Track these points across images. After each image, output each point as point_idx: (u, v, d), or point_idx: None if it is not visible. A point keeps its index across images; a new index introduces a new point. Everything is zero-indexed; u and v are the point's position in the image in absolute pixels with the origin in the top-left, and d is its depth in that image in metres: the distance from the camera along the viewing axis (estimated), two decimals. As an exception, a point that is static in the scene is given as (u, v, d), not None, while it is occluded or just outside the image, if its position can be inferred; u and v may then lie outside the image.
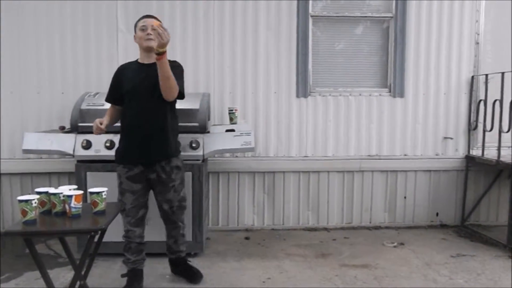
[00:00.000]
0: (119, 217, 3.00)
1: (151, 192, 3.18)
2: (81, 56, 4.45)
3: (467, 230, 4.69)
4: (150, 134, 2.98)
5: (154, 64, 2.82)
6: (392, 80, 4.74)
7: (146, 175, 3.05)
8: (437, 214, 4.89)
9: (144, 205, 3.14)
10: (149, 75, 2.92)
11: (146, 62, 3.05)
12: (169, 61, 2.82)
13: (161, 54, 2.67)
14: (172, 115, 3.11)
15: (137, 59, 3.13)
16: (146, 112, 2.95)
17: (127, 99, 3.01)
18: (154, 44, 2.76)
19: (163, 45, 2.62)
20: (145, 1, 4.45)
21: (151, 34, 2.86)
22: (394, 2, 4.68)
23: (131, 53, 4.44)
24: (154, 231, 3.56)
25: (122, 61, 4.43)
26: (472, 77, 4.76)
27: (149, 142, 2.97)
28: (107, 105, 3.78)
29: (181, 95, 2.98)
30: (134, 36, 3.08)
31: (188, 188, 3.61)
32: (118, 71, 3.16)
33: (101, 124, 2.93)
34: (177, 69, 2.98)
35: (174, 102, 3.07)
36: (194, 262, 3.60)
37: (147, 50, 3.00)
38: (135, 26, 3.05)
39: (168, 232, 3.30)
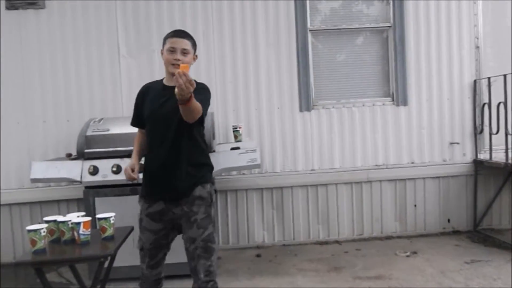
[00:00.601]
0: (129, 241, 2.98)
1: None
2: (84, 82, 4.50)
3: (480, 235, 4.64)
4: (170, 165, 2.60)
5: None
6: (394, 88, 4.75)
7: (170, 210, 2.60)
8: (448, 221, 4.85)
9: (166, 246, 2.71)
10: (172, 99, 2.45)
11: (171, 84, 2.54)
12: (196, 83, 2.42)
13: (184, 101, 2.26)
14: (196, 140, 2.69)
15: (162, 78, 2.74)
16: (165, 140, 2.59)
17: (147, 124, 2.66)
18: (179, 80, 2.29)
19: (184, 95, 2.18)
20: (145, 24, 4.51)
21: (179, 60, 2.55)
22: (391, 11, 4.71)
23: (134, 77, 4.51)
24: (174, 252, 3.53)
25: (125, 86, 4.50)
26: (475, 81, 4.75)
27: (169, 174, 2.60)
28: (113, 130, 3.83)
29: (201, 120, 2.57)
30: (161, 51, 2.66)
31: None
32: (141, 91, 2.77)
33: (132, 170, 2.58)
34: (203, 94, 2.58)
35: (199, 123, 2.62)
36: (206, 282, 3.58)
37: (172, 74, 2.54)
38: (164, 40, 2.65)
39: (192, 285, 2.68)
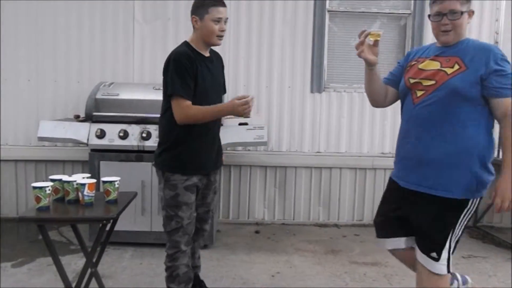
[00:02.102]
0: (131, 206, 3.01)
1: None
2: (97, 45, 4.48)
3: (480, 231, 4.65)
4: (218, 138, 2.73)
5: (211, 57, 2.62)
6: (408, 77, 4.69)
7: (201, 181, 2.62)
8: (449, 214, 4.85)
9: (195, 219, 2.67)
10: (216, 72, 2.65)
11: (206, 55, 2.59)
12: (215, 51, 2.72)
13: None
14: None
15: (190, 46, 2.53)
16: None
17: (203, 96, 2.49)
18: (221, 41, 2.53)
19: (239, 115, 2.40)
20: (162, 5, 4.46)
21: (224, 31, 2.51)
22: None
23: (147, 44, 4.48)
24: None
25: (137, 52, 4.48)
26: (490, 76, 4.68)
27: (215, 146, 2.69)
28: (122, 95, 3.83)
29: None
30: (196, 19, 2.49)
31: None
32: (190, 58, 2.46)
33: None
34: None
35: None
36: (203, 254, 3.62)
37: (213, 45, 2.58)
38: (205, 8, 2.46)
39: None
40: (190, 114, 2.43)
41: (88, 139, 3.67)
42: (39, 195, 2.33)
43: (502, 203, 1.98)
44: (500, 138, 2.09)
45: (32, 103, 4.48)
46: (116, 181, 2.58)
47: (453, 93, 2.03)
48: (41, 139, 3.79)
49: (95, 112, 3.76)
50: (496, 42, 4.68)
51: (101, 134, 3.66)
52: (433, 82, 2.08)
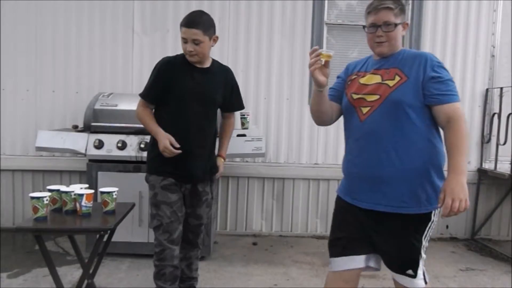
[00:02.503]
0: (128, 217, 3.00)
1: None
2: (96, 56, 4.49)
3: (477, 244, 4.64)
4: (205, 147, 2.72)
5: (207, 70, 2.69)
6: (405, 90, 4.71)
7: (183, 185, 2.71)
8: (447, 227, 4.85)
9: (180, 222, 2.71)
10: (210, 81, 2.69)
11: (200, 65, 2.68)
12: (225, 66, 2.87)
13: None
14: (215, 125, 2.87)
15: (182, 55, 2.69)
16: (204, 121, 2.69)
17: (180, 101, 2.63)
18: (197, 60, 2.61)
19: None
20: (161, 4, 4.48)
21: (192, 51, 2.56)
22: (409, 11, 4.67)
23: (146, 55, 4.50)
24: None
25: (136, 63, 4.50)
26: (487, 89, 4.72)
27: (202, 156, 2.71)
28: (121, 106, 3.83)
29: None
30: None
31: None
32: (166, 63, 2.67)
33: (171, 145, 2.57)
34: (238, 89, 2.94)
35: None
36: (201, 265, 3.60)
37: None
38: (180, 26, 2.61)
39: (183, 254, 2.85)
40: (139, 114, 2.70)
41: (86, 149, 3.67)
42: (36, 205, 2.33)
43: (453, 203, 1.83)
44: (445, 143, 1.98)
45: (30, 113, 4.48)
46: (114, 191, 2.58)
47: (399, 105, 1.98)
48: (39, 149, 3.78)
49: (94, 122, 3.76)
50: (493, 56, 4.72)
51: (99, 145, 3.66)
52: (377, 96, 2.02)
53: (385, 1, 2.04)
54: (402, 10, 2.07)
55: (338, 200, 2.25)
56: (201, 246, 2.95)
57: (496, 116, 4.57)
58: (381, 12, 2.03)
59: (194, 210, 2.78)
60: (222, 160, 2.93)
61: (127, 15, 4.48)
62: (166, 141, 2.54)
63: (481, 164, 4.75)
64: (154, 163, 2.68)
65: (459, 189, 1.85)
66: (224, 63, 4.49)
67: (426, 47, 4.67)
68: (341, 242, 2.21)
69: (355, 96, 2.10)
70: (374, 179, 2.03)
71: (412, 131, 1.99)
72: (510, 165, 4.29)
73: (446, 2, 4.65)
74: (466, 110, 4.73)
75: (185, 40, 2.57)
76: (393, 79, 2.02)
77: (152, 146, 2.70)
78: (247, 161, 4.61)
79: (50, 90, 4.48)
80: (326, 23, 4.65)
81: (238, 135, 3.87)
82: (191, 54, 2.58)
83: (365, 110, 2.05)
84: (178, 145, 2.56)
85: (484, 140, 4.73)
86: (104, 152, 3.67)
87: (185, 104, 2.61)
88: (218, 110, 2.87)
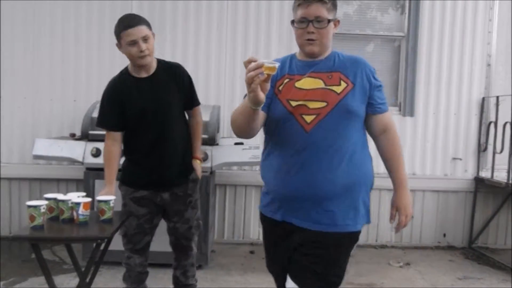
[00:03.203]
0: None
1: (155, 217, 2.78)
2: (94, 64, 4.50)
3: (475, 252, 4.64)
4: (170, 157, 2.65)
5: (153, 76, 2.60)
6: (402, 98, 4.74)
7: (158, 195, 2.67)
8: (444, 235, 4.85)
9: (150, 232, 2.74)
10: (158, 91, 2.60)
11: (143, 75, 2.62)
12: (172, 64, 2.70)
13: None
14: (186, 127, 2.79)
15: (125, 71, 2.67)
16: (164, 133, 2.61)
17: (137, 121, 2.59)
18: (150, 61, 2.52)
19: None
20: (159, 14, 4.50)
21: (145, 50, 2.47)
22: (406, 21, 4.71)
23: (144, 64, 4.50)
24: (159, 240, 3.55)
25: (134, 71, 4.47)
26: (483, 98, 4.74)
27: (169, 166, 2.65)
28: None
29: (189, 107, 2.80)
30: (117, 45, 2.58)
31: (195, 199, 3.61)
32: (113, 88, 2.65)
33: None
34: (191, 83, 2.76)
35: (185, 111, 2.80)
36: (198, 274, 3.59)
37: (140, 66, 2.58)
38: (118, 34, 2.52)
39: (177, 262, 2.86)
40: (104, 146, 2.69)
41: (83, 158, 3.67)
42: (33, 213, 2.32)
43: (406, 219, 1.88)
44: (383, 153, 1.97)
45: (28, 121, 4.48)
46: (111, 200, 2.57)
47: (348, 114, 1.82)
48: (36, 157, 3.78)
49: (91, 130, 3.76)
50: (489, 65, 4.75)
51: (97, 153, 3.66)
52: (324, 104, 1.80)
53: None
54: (335, 6, 1.88)
55: (266, 220, 2.00)
56: (195, 248, 2.88)
57: (492, 124, 4.59)
58: (313, 6, 1.81)
59: (181, 216, 2.73)
60: (198, 161, 2.83)
61: (125, 24, 4.49)
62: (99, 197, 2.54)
63: (478, 172, 4.76)
64: (127, 174, 2.70)
65: (409, 204, 1.90)
66: (221, 69, 4.57)
67: (422, 57, 4.70)
68: (276, 272, 2.07)
69: (293, 103, 1.83)
70: (320, 197, 1.82)
71: (358, 142, 1.88)
72: (506, 174, 4.31)
73: (442, 12, 4.69)
74: (463, 118, 4.76)
75: (133, 42, 2.44)
76: (339, 85, 1.84)
77: (126, 156, 2.71)
78: (244, 169, 4.61)
79: (48, 98, 4.49)
80: (323, 32, 4.67)
81: (236, 143, 3.88)
82: (144, 55, 2.47)
83: (309, 118, 1.81)
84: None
85: (481, 149, 4.74)
86: (101, 160, 3.64)
87: (143, 118, 2.57)
88: None
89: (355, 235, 1.89)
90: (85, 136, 3.77)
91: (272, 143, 1.92)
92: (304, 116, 1.81)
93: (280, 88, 1.89)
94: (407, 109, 4.71)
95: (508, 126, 4.31)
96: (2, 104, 4.46)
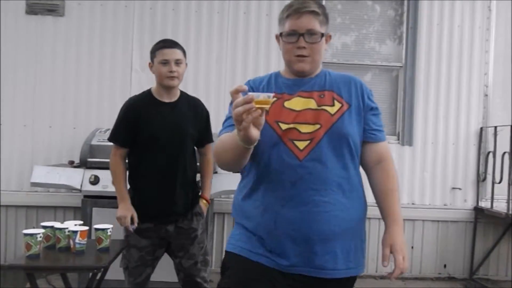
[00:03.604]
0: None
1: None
2: (94, 92, 4.53)
3: (476, 283, 4.58)
4: (180, 186, 2.59)
5: (175, 104, 2.61)
6: (400, 128, 4.77)
7: (163, 228, 2.60)
8: (444, 266, 4.79)
9: (151, 264, 2.65)
10: (178, 117, 2.59)
11: (165, 100, 2.61)
12: (194, 97, 2.74)
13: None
14: (195, 159, 2.75)
15: (147, 93, 2.65)
16: (176, 160, 2.57)
17: (149, 143, 2.56)
18: (177, 84, 2.55)
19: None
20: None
21: (175, 72, 2.50)
22: (403, 51, 4.77)
23: (144, 92, 4.53)
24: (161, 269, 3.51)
25: (134, 99, 4.50)
26: (481, 128, 4.77)
27: (176, 196, 2.59)
28: (118, 142, 3.82)
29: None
30: (149, 64, 2.63)
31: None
32: (132, 106, 2.61)
33: (132, 220, 2.57)
34: (208, 120, 2.80)
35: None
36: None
37: (167, 87, 2.59)
38: (153, 53, 2.60)
39: None
40: (112, 165, 2.65)
41: (81, 185, 3.65)
42: (29, 242, 2.30)
43: (404, 261, 1.58)
44: (376, 186, 1.70)
45: (27, 148, 4.47)
46: (109, 228, 2.55)
47: (344, 139, 1.59)
48: (34, 184, 3.76)
49: (90, 158, 3.75)
50: (486, 95, 4.79)
51: (95, 180, 3.64)
52: (317, 126, 1.57)
53: (308, 2, 1.61)
54: (327, 19, 1.67)
55: (241, 262, 1.63)
56: (206, 284, 2.71)
57: (491, 154, 4.60)
58: (304, 17, 1.59)
59: (186, 251, 2.65)
60: (205, 202, 2.78)
61: (126, 53, 4.55)
62: (128, 214, 2.53)
63: (477, 202, 4.75)
64: (132, 205, 2.63)
65: (404, 244, 1.62)
66: (221, 87, 4.58)
67: (420, 87, 4.74)
68: None
69: (284, 126, 1.58)
70: (320, 237, 1.55)
71: (354, 172, 1.64)
72: (506, 204, 4.29)
73: (439, 43, 4.76)
74: (461, 148, 4.77)
75: (165, 61, 2.50)
76: (333, 105, 1.61)
77: (130, 188, 2.67)
78: (243, 198, 4.57)
79: (47, 126, 4.49)
80: (322, 62, 4.71)
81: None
82: (173, 76, 2.51)
83: (301, 144, 1.56)
84: (136, 224, 2.56)
85: (480, 179, 4.74)
86: (100, 188, 3.65)
87: (156, 143, 2.55)
88: None
89: (355, 278, 1.68)
90: (84, 164, 3.76)
91: (258, 174, 1.61)
92: (296, 142, 1.56)
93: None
94: (406, 138, 4.73)
95: (506, 156, 4.32)
96: (2, 131, 4.46)
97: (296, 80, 1.69)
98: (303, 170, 1.55)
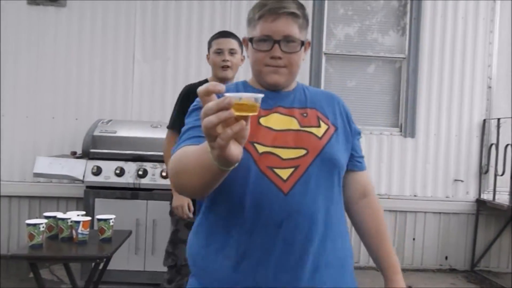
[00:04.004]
0: (124, 245, 2.97)
1: None
2: (96, 83, 4.53)
3: (477, 276, 4.59)
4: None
5: None
6: (403, 120, 4.75)
7: None
8: (446, 258, 4.80)
9: None
10: None
11: None
12: None
13: None
14: None
15: (204, 82, 2.54)
16: None
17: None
18: (230, 75, 2.47)
19: None
20: (162, 32, 4.55)
21: (228, 61, 2.48)
22: (407, 43, 4.74)
23: (146, 83, 4.53)
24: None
25: (136, 90, 4.52)
26: (484, 120, 4.75)
27: None
28: (120, 133, 3.84)
29: None
30: (207, 56, 2.63)
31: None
32: (186, 93, 2.57)
33: (189, 208, 2.48)
34: None
35: None
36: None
37: (221, 79, 2.56)
38: (210, 43, 2.59)
39: None
40: (167, 149, 2.59)
41: (84, 176, 3.66)
42: (32, 232, 2.31)
43: None
44: (363, 226, 1.45)
45: (29, 139, 4.48)
46: (111, 219, 2.57)
47: (334, 168, 1.29)
48: (37, 175, 3.77)
49: (92, 149, 3.76)
50: (489, 87, 4.77)
51: (97, 171, 3.66)
52: (303, 152, 1.24)
53: (286, 1, 1.28)
54: (307, 22, 1.35)
55: None
56: None
57: (493, 146, 4.59)
58: (281, 20, 1.27)
59: None
60: None
61: (129, 43, 4.54)
62: (184, 202, 2.45)
63: (479, 194, 4.74)
64: None
65: None
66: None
67: (423, 78, 4.73)
68: None
69: (261, 149, 1.22)
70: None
71: (341, 207, 1.35)
72: (508, 196, 4.29)
73: (443, 34, 4.73)
74: (464, 140, 4.76)
75: (219, 51, 2.49)
76: (319, 126, 1.31)
77: None
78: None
79: (49, 117, 4.50)
80: (325, 53, 4.71)
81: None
82: (226, 66, 2.48)
83: (284, 173, 1.21)
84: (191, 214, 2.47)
85: (482, 171, 4.73)
86: (102, 179, 3.66)
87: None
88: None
89: None
90: (86, 154, 3.77)
91: (228, 209, 1.23)
92: (276, 170, 1.21)
93: None
94: (408, 130, 4.72)
95: (509, 148, 4.32)
96: (4, 122, 4.47)
97: (273, 93, 1.33)
98: (290, 207, 1.19)
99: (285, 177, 1.21)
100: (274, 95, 1.33)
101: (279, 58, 1.29)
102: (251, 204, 1.19)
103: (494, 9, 4.76)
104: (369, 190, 1.45)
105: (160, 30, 4.56)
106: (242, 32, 1.49)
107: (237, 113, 0.84)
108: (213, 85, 0.86)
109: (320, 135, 1.29)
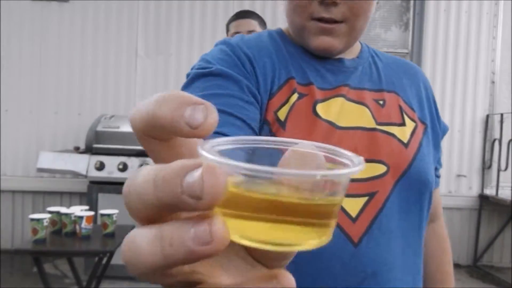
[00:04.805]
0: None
1: None
2: (99, 78, 4.53)
3: (480, 271, 4.59)
4: None
5: None
6: (406, 115, 4.74)
7: None
8: (448, 253, 4.80)
9: None
10: None
11: None
12: None
13: None
14: None
15: None
16: None
17: None
18: None
19: None
20: (165, 28, 4.55)
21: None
22: (410, 38, 4.73)
23: (149, 78, 4.54)
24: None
25: (139, 86, 4.52)
26: (487, 115, 4.74)
27: None
28: (123, 128, 3.85)
29: None
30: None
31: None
32: None
33: None
34: None
35: None
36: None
37: None
38: (227, 27, 2.31)
39: None
40: None
41: (87, 171, 3.68)
42: (36, 227, 2.32)
43: None
44: (427, 256, 0.96)
45: (32, 134, 4.50)
46: (114, 214, 2.58)
47: (424, 190, 0.81)
48: (40, 170, 3.79)
49: (95, 144, 3.78)
50: (493, 82, 4.75)
51: (101, 166, 3.67)
52: (382, 168, 0.77)
53: None
54: None
55: None
56: None
57: (497, 142, 4.58)
58: None
59: None
60: None
61: (131, 39, 4.54)
62: None
63: (482, 190, 4.74)
64: None
65: None
66: None
67: (426, 74, 4.67)
68: None
69: None
70: None
71: (421, 242, 0.85)
72: (511, 191, 4.28)
73: (446, 29, 4.71)
74: (467, 135, 4.75)
75: (237, 34, 2.28)
76: (403, 125, 0.83)
77: None
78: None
79: (52, 112, 4.51)
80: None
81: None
82: None
83: (353, 206, 0.74)
84: None
85: (485, 166, 4.73)
86: (105, 174, 3.67)
87: None
88: None
89: None
90: (89, 150, 3.78)
91: None
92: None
93: (283, 115, 0.76)
94: (411, 125, 4.70)
95: (512, 144, 4.31)
96: (8, 117, 4.49)
97: (333, 62, 0.84)
98: (361, 264, 0.73)
99: (354, 214, 0.74)
100: (335, 65, 0.84)
101: (334, 3, 0.77)
102: (305, 256, 0.56)
103: (497, 3, 4.74)
104: (439, 214, 1.02)
105: (163, 26, 4.56)
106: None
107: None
108: (186, 103, 0.27)
109: (406, 140, 0.81)
